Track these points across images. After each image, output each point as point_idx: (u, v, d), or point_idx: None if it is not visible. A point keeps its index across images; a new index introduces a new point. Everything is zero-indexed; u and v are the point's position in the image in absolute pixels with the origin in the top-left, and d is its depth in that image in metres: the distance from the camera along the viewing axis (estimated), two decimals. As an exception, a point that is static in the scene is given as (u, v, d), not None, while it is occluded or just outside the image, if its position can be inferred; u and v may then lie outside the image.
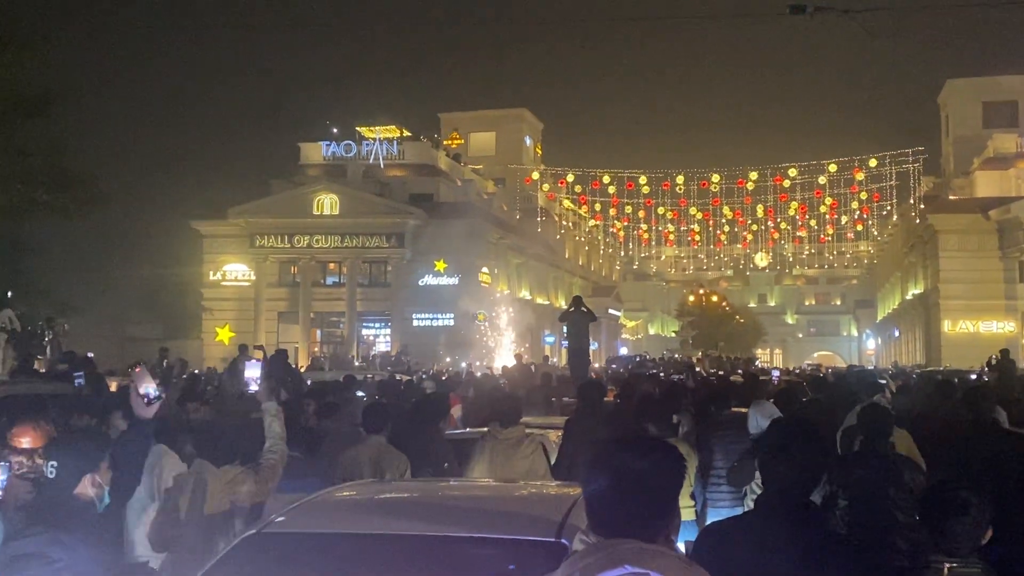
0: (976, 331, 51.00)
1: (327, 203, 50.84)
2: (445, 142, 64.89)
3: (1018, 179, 55.43)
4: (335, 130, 57.88)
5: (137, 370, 5.90)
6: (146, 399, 5.66)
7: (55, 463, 4.01)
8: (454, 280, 49.64)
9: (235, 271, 51.92)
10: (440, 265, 49.55)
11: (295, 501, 4.00)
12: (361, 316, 51.74)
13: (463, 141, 68.03)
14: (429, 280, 50.03)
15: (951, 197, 57.94)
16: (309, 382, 17.59)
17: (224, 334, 49.06)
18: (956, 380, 13.69)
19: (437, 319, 50.14)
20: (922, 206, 55.68)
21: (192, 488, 5.17)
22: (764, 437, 3.33)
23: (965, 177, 59.87)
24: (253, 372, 5.76)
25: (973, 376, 22.69)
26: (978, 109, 64.56)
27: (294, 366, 22.77)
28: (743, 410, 8.47)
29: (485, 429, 7.22)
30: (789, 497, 3.07)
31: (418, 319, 50.28)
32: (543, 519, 3.42)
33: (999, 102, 63.98)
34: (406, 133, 58.73)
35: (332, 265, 53.12)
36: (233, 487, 5.24)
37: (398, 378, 19.39)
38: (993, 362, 24.47)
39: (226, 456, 5.40)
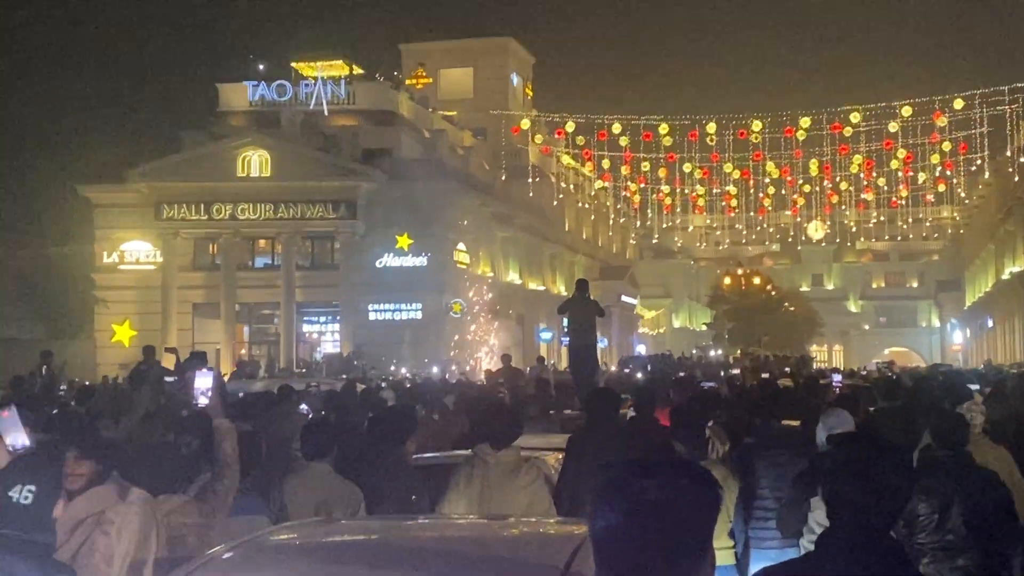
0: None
1: (255, 162, 50.65)
2: (408, 81, 64.67)
3: None
4: (263, 67, 57.61)
5: (5, 415, 5.63)
6: (10, 450, 5.48)
7: (32, 487, 4.50)
8: (421, 260, 49.63)
9: (136, 251, 51.63)
10: (403, 241, 49.52)
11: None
12: (302, 308, 51.70)
13: (431, 80, 67.80)
14: (389, 261, 49.99)
15: (1060, 147, 58.15)
16: (241, 395, 17.58)
17: (123, 333, 48.93)
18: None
19: (400, 311, 50.15)
20: (1021, 159, 55.86)
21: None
22: (828, 456, 3.33)
23: (1078, 121, 60.09)
24: (204, 383, 5.91)
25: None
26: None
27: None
28: (794, 423, 8.49)
29: (466, 452, 7.22)
30: (865, 531, 3.07)
31: (375, 311, 50.29)
32: (540, 567, 3.41)
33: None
34: (357, 70, 58.52)
35: (263, 242, 53.05)
36: (173, 519, 5.37)
37: (358, 387, 19.41)
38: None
39: (166, 482, 5.57)
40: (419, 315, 49.82)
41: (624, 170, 61.22)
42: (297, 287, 50.39)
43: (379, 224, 49.72)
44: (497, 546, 4.04)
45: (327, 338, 53.08)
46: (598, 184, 68.38)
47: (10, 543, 4.54)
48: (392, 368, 39.17)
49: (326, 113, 55.29)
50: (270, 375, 38.18)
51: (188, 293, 51.33)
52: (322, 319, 53.59)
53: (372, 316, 50.20)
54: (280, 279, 50.47)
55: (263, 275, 52.03)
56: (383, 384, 22.16)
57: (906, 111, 54.37)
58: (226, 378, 29.14)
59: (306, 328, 53.36)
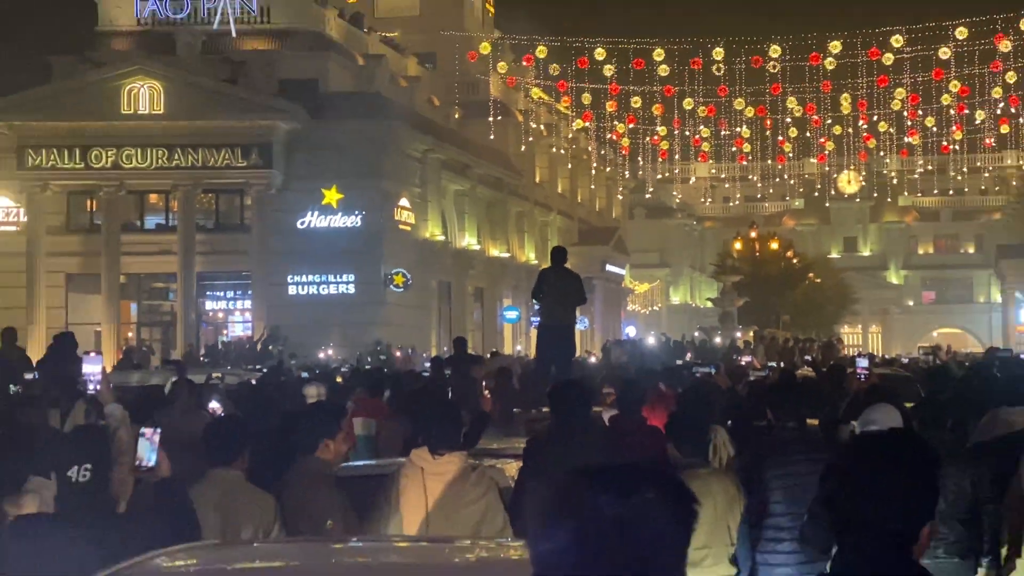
0: None
1: (144, 96, 50.28)
2: (337, -5, 64.29)
3: None
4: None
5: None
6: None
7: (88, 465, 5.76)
8: (354, 220, 49.56)
9: (-6, 208, 51.44)
10: (331, 196, 49.39)
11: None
12: (204, 280, 51.51)
13: (367, -7, 67.44)
14: (314, 220, 49.91)
15: None
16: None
17: (-22, 311, 48.53)
18: None
19: (327, 284, 50.08)
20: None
21: None
22: (837, 460, 3.37)
23: None
24: (93, 368, 6.16)
25: None
26: None
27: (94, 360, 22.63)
28: (814, 422, 8.58)
29: (402, 459, 7.25)
30: (881, 549, 3.12)
31: (296, 284, 50.19)
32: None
33: None
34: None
35: (154, 197, 52.91)
36: None
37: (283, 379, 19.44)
38: None
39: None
40: (351, 289, 49.72)
41: (610, 107, 61.21)
42: (198, 254, 50.07)
43: (301, 175, 49.54)
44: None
45: (236, 318, 52.89)
46: (576, 124, 68.30)
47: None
48: (321, 356, 39.15)
49: (234, 35, 54.88)
50: (164, 364, 38.02)
51: (60, 261, 50.91)
52: (230, 294, 53.37)
53: (292, 291, 50.06)
54: (176, 244, 50.20)
55: (155, 239, 51.87)
56: (305, 376, 22.14)
57: (961, 33, 54.64)
58: (108, 369, 29.06)
59: (209, 306, 53.13)
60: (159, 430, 6.22)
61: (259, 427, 10.61)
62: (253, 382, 21.16)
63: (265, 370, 25.93)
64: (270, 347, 40.19)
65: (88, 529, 5.52)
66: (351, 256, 48.86)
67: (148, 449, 6.22)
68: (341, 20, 60.18)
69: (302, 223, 49.84)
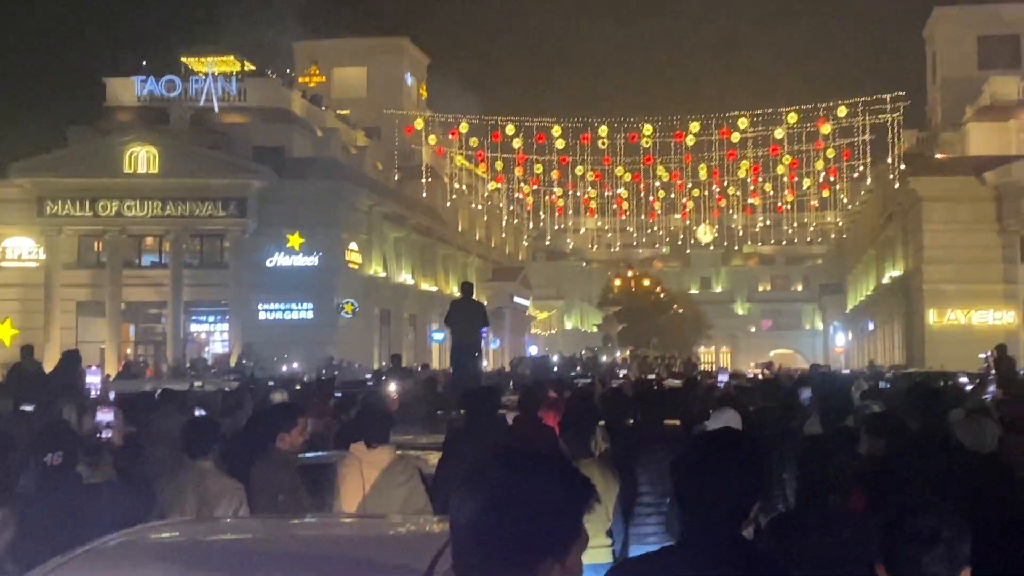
0: (968, 323, 52.98)
1: (143, 158, 49.83)
2: (301, 79, 64.23)
3: (1020, 133, 57.52)
4: (153, 62, 56.74)
5: None
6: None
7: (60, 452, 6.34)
8: (313, 260, 49.43)
9: (19, 248, 50.70)
10: (294, 240, 49.23)
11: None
12: (190, 307, 51.05)
13: (325, 79, 67.42)
14: (280, 260, 49.67)
15: (938, 155, 59.87)
16: (113, 395, 17.34)
17: (5, 332, 47.51)
18: (943, 384, 14.20)
19: (290, 311, 49.93)
20: (902, 166, 57.32)
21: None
22: (681, 455, 3.37)
23: (955, 130, 62.00)
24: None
25: (964, 379, 23.58)
26: (972, 45, 66.93)
27: (95, 372, 22.33)
28: (675, 423, 8.61)
29: (344, 452, 7.21)
30: (714, 530, 3.11)
31: (265, 311, 49.92)
32: (403, 568, 3.39)
33: (998, 36, 66.38)
34: (249, 67, 57.87)
35: (150, 240, 52.45)
36: None
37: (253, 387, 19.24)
38: (991, 361, 25.49)
39: None
40: (310, 315, 49.61)
41: (517, 172, 61.42)
42: (185, 286, 49.68)
43: (270, 223, 49.35)
44: (362, 547, 4.01)
45: (216, 338, 52.45)
46: (491, 185, 68.43)
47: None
48: (284, 369, 38.84)
49: (216, 110, 54.64)
50: (157, 375, 37.52)
51: (72, 291, 50.40)
52: (211, 319, 52.96)
53: (262, 316, 49.82)
54: (167, 278, 49.75)
55: (150, 273, 51.54)
56: (272, 384, 21.92)
57: (792, 118, 55.46)
58: (111, 379, 28.61)
59: (194, 328, 52.70)
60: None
61: (232, 426, 10.51)
62: (227, 389, 20.88)
63: (238, 380, 25.64)
64: (243, 361, 39.85)
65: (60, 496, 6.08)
66: (310, 289, 48.81)
67: None
68: (304, 100, 60.05)
69: (271, 262, 49.72)
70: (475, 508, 2.29)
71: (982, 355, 32.46)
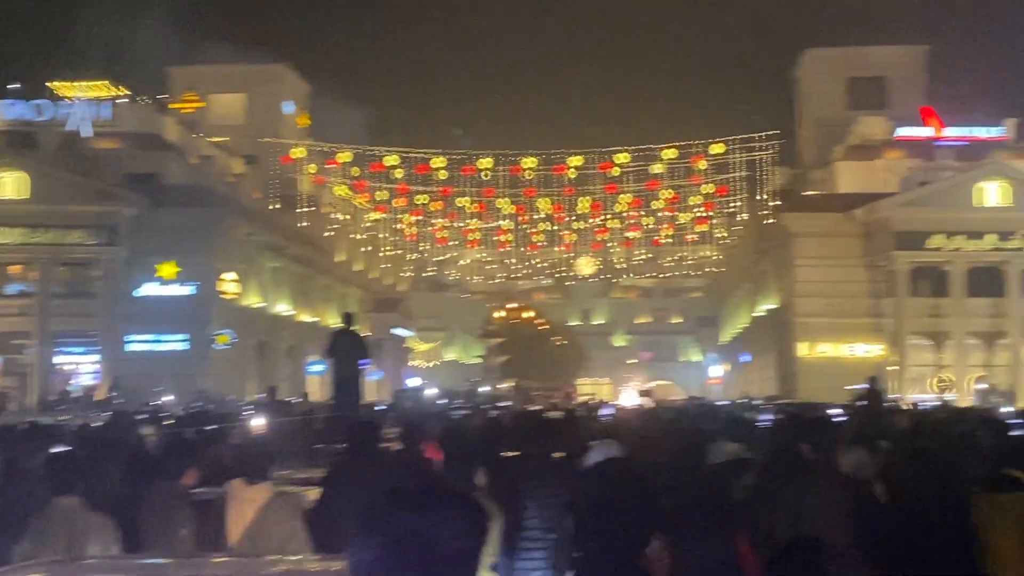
0: (837, 355, 54.57)
1: (9, 184, 48.88)
2: (175, 105, 63.27)
3: (886, 172, 59.78)
4: (19, 86, 55.40)
5: None
6: None
7: None
8: (187, 290, 48.73)
9: None
10: (167, 270, 48.42)
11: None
12: (57, 338, 49.75)
13: (202, 105, 66.50)
14: (152, 290, 48.81)
15: (808, 192, 61.78)
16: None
17: None
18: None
19: (163, 342, 49.05)
20: (775, 203, 58.90)
21: None
22: (581, 489, 3.35)
23: (825, 168, 64.10)
24: None
25: (837, 411, 24.15)
26: (841, 86, 69.45)
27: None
28: (559, 455, 8.60)
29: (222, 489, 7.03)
30: (614, 560, 3.09)
31: (137, 342, 48.93)
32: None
33: (866, 78, 69.04)
34: (122, 92, 56.95)
35: (15, 268, 51.27)
36: None
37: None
38: (860, 394, 26.22)
39: None
40: (183, 346, 48.74)
41: (398, 202, 61.29)
42: (52, 316, 48.41)
43: (142, 251, 48.49)
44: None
45: (84, 370, 51.12)
46: (372, 216, 68.15)
47: None
48: (158, 402, 38.01)
49: (88, 135, 53.45)
50: (22, 409, 36.32)
51: (-69, 321, 48.63)
52: (79, 350, 51.62)
53: (133, 347, 48.85)
54: (33, 308, 48.50)
55: (16, 302, 50.35)
56: (142, 418, 21.28)
57: (670, 154, 56.68)
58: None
59: (61, 359, 51.30)
60: None
61: (103, 460, 10.16)
62: (94, 424, 20.24)
63: (108, 413, 24.90)
64: (113, 394, 39.01)
65: None
66: (183, 319, 48.08)
67: None
68: (178, 126, 59.16)
69: (142, 292, 48.93)
70: (375, 550, 2.24)
71: (851, 387, 33.57)
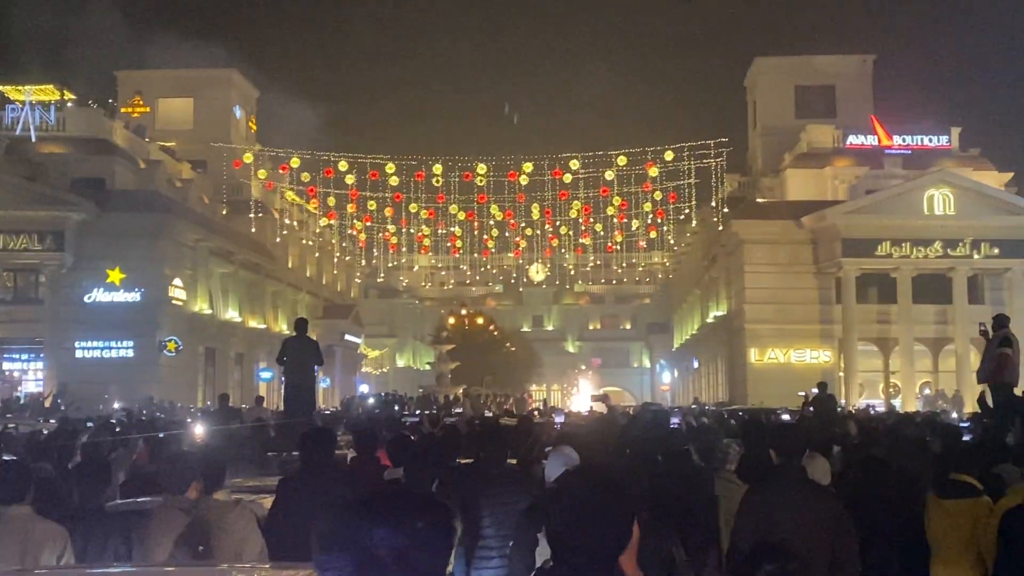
0: (787, 361, 55.05)
1: (-48, 188, 47.71)
2: (124, 109, 62.69)
3: (835, 179, 60.52)
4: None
5: None
6: None
7: None
8: (135, 296, 48.19)
9: None
10: (114, 276, 47.85)
11: None
12: (2, 345, 49.14)
13: (149, 109, 65.98)
14: (99, 296, 48.23)
15: (758, 200, 62.29)
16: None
17: None
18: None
19: (110, 349, 48.48)
20: (725, 210, 59.33)
21: None
22: (557, 495, 3.34)
23: (774, 176, 64.71)
24: None
25: (786, 416, 24.39)
26: (790, 94, 70.13)
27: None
28: (512, 462, 8.60)
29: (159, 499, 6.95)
30: (587, 570, 3.09)
31: (83, 349, 48.33)
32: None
33: (814, 86, 69.78)
34: (69, 96, 56.26)
35: (-41, 274, 50.10)
36: None
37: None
38: (810, 399, 26.48)
39: None
40: (131, 353, 48.20)
41: (350, 208, 60.95)
42: (-2, 322, 47.66)
43: (89, 257, 47.88)
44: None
45: (30, 377, 50.39)
46: (323, 221, 67.77)
47: None
48: (102, 408, 37.53)
49: (33, 139, 52.77)
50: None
51: None
52: (24, 357, 50.90)
53: (79, 354, 48.19)
54: (-23, 314, 47.60)
55: (-42, 309, 49.13)
56: (89, 425, 21.01)
57: (621, 160, 56.73)
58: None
59: (7, 366, 50.57)
60: None
61: (46, 469, 10.03)
62: (45, 432, 19.98)
63: (54, 421, 24.58)
64: (59, 401, 38.44)
65: None
66: (131, 326, 47.51)
67: None
68: (126, 130, 58.48)
69: (89, 298, 48.28)
70: (344, 567, 2.23)
71: (801, 393, 33.94)
